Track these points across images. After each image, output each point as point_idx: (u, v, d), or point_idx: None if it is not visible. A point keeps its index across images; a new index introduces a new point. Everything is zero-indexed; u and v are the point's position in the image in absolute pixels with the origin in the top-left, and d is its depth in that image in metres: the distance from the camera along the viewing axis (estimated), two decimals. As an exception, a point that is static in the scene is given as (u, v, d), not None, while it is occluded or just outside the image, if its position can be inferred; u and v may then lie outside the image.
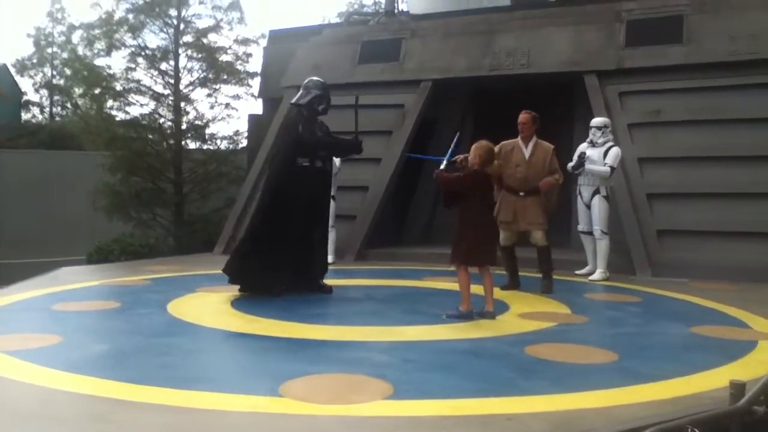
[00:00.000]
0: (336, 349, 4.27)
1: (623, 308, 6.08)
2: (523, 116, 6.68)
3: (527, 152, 6.63)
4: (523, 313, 5.51)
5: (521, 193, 6.59)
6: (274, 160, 6.88)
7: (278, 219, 6.25)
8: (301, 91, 6.65)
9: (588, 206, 8.01)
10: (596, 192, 7.92)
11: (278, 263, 6.20)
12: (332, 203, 8.80)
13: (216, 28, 14.76)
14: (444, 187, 5.26)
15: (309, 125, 6.49)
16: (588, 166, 7.88)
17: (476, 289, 5.28)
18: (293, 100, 6.70)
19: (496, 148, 6.54)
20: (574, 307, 5.88)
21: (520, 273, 6.85)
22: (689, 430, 2.57)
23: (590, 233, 8.01)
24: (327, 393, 3.30)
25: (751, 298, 6.42)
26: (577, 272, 8.16)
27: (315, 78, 6.85)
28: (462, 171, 5.33)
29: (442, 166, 5.33)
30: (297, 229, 6.28)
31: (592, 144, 8.02)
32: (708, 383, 3.50)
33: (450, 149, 5.56)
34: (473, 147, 5.28)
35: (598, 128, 8.06)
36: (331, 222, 8.88)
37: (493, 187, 5.48)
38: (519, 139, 6.70)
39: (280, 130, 6.78)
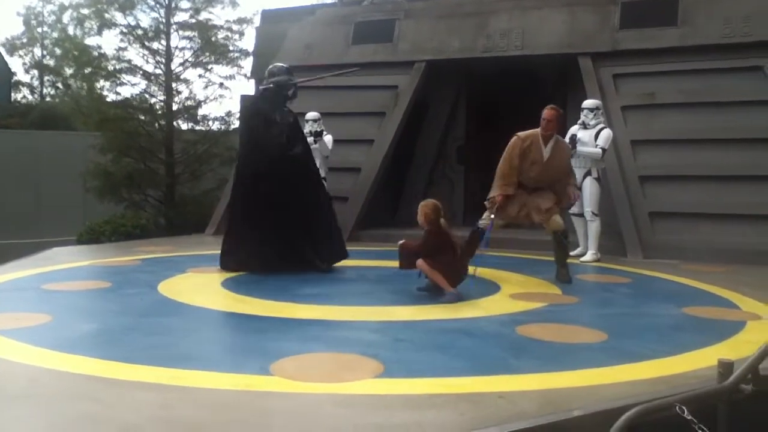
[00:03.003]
0: (327, 329, 4.28)
1: (614, 289, 6.10)
2: (548, 112, 6.04)
3: (546, 153, 6.08)
4: (514, 294, 5.53)
5: (528, 189, 6.19)
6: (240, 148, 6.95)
7: (251, 203, 6.37)
8: (266, 78, 6.71)
9: (579, 188, 8.01)
10: (587, 174, 7.93)
11: (258, 244, 6.33)
12: None
13: (207, 6, 14.60)
14: (407, 257, 5.31)
15: (271, 110, 6.51)
16: (580, 148, 7.88)
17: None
18: (261, 86, 6.78)
19: (517, 140, 6.19)
20: (565, 288, 5.89)
21: (511, 255, 6.84)
22: (677, 408, 2.58)
23: (581, 215, 8.03)
24: (318, 371, 3.30)
25: (742, 279, 6.46)
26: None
27: (279, 63, 6.95)
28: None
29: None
30: (273, 211, 6.33)
31: (584, 126, 8.02)
32: (697, 362, 3.52)
33: None
34: (420, 206, 5.35)
35: (590, 110, 8.06)
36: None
37: (449, 238, 5.40)
38: (539, 135, 6.11)
39: (244, 117, 6.86)
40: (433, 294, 5.32)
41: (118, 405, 2.81)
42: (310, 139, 8.43)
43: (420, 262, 5.24)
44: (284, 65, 6.81)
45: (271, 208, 6.32)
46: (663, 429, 2.65)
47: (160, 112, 14.44)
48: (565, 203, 6.44)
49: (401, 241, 5.46)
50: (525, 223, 6.54)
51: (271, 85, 6.58)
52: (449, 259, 5.29)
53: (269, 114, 6.49)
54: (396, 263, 5.47)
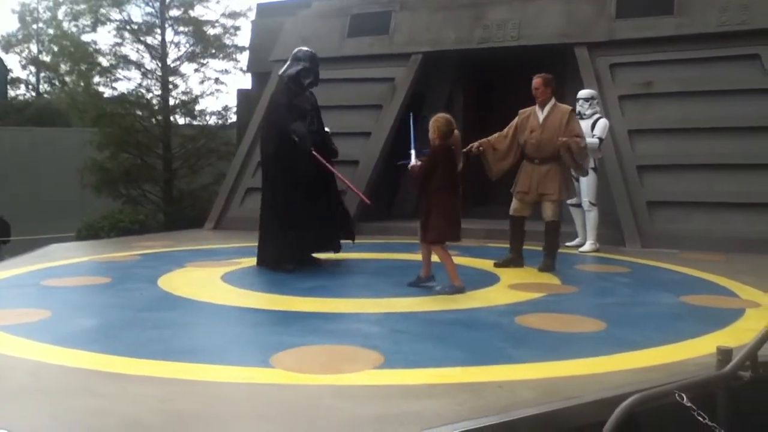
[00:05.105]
0: (327, 321, 4.28)
1: (613, 279, 6.12)
2: (535, 80, 6.44)
3: (542, 116, 6.37)
4: (513, 284, 5.54)
5: (536, 161, 6.36)
6: (263, 139, 6.80)
7: (280, 194, 6.29)
8: (289, 62, 6.57)
9: (576, 178, 8.01)
10: (585, 164, 7.92)
11: (288, 238, 6.23)
12: None
13: (201, 0, 14.57)
14: (419, 177, 5.16)
15: (294, 98, 6.40)
16: (577, 138, 7.86)
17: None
18: (281, 71, 6.64)
19: (518, 116, 6.54)
20: (564, 278, 5.91)
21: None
22: (676, 395, 2.59)
23: (579, 205, 8.04)
24: (318, 363, 3.31)
25: (740, 268, 6.48)
26: (567, 244, 8.16)
27: (304, 48, 6.73)
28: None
29: (412, 159, 5.26)
30: (299, 202, 6.26)
31: (580, 116, 7.99)
32: (696, 350, 3.54)
33: (412, 133, 5.52)
34: (431, 120, 5.18)
35: (586, 100, 8.06)
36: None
37: (455, 162, 5.29)
38: (536, 105, 6.48)
39: (268, 105, 6.71)
40: (423, 287, 5.28)
41: (119, 399, 2.81)
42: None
43: (434, 247, 5.23)
44: (309, 51, 6.63)
45: (311, 196, 6.31)
46: (662, 416, 2.67)
47: (156, 107, 14.41)
48: (580, 169, 6.53)
49: (412, 163, 5.25)
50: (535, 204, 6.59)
51: (289, 76, 6.45)
52: (442, 193, 5.12)
53: (291, 104, 6.38)
54: (394, 255, 5.47)
